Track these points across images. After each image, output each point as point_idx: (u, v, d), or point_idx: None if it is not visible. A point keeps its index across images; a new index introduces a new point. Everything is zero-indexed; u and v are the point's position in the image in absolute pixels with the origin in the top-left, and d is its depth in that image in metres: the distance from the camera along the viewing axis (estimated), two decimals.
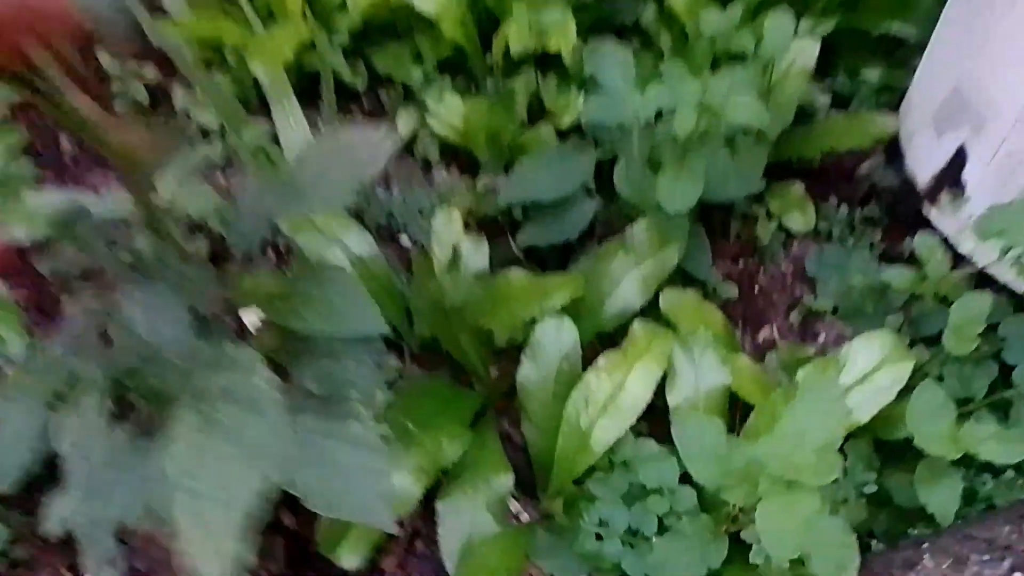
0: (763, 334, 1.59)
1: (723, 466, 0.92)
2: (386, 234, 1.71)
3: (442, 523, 1.22)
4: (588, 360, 1.33)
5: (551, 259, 1.67)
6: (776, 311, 1.62)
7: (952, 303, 1.19)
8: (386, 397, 1.32)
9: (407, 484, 1.16)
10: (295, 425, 1.02)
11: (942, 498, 1.08)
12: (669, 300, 1.39)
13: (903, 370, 1.17)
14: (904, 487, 1.22)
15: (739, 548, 1.12)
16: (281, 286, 1.01)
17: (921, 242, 1.23)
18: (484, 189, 1.72)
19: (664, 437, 1.42)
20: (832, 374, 1.16)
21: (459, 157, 1.85)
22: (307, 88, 1.73)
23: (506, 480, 1.27)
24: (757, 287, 1.65)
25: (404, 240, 1.70)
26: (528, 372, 1.32)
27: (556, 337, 1.31)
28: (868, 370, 1.18)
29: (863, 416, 1.15)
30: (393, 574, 1.34)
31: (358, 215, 1.56)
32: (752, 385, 1.32)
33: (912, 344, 1.43)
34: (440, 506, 1.23)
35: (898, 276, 1.24)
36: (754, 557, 0.98)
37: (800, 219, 1.66)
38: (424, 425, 1.22)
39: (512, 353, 1.56)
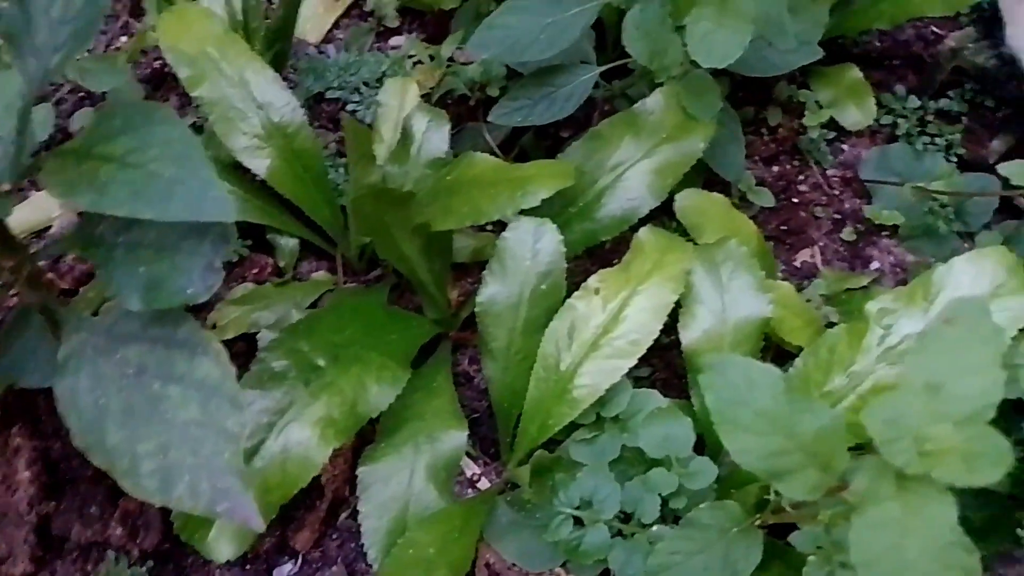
0: (802, 257, 1.23)
1: (780, 440, 0.58)
2: (323, 114, 1.33)
3: (364, 495, 0.88)
4: (575, 279, 0.98)
5: (537, 155, 1.30)
6: (820, 228, 1.26)
7: None
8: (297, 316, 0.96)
9: (308, 443, 0.81)
10: (111, 362, 0.66)
11: None
12: (689, 203, 1.03)
13: None
14: None
15: (776, 547, 0.79)
16: (77, 140, 0.64)
17: None
18: (451, 58, 1.33)
19: (673, 388, 1.08)
20: (923, 313, 0.81)
21: (424, 20, 1.46)
22: None
23: (457, 437, 0.93)
24: (796, 197, 1.28)
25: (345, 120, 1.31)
26: (493, 292, 0.97)
27: (532, 245, 0.95)
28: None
29: None
30: (308, 554, 1.01)
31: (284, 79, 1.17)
32: (797, 320, 0.97)
33: None
34: (363, 472, 0.89)
35: (1020, 170, 0.88)
36: (812, 573, 0.65)
37: (855, 111, 1.29)
38: (343, 360, 0.87)
39: (479, 271, 1.20)
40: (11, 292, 0.79)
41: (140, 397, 0.67)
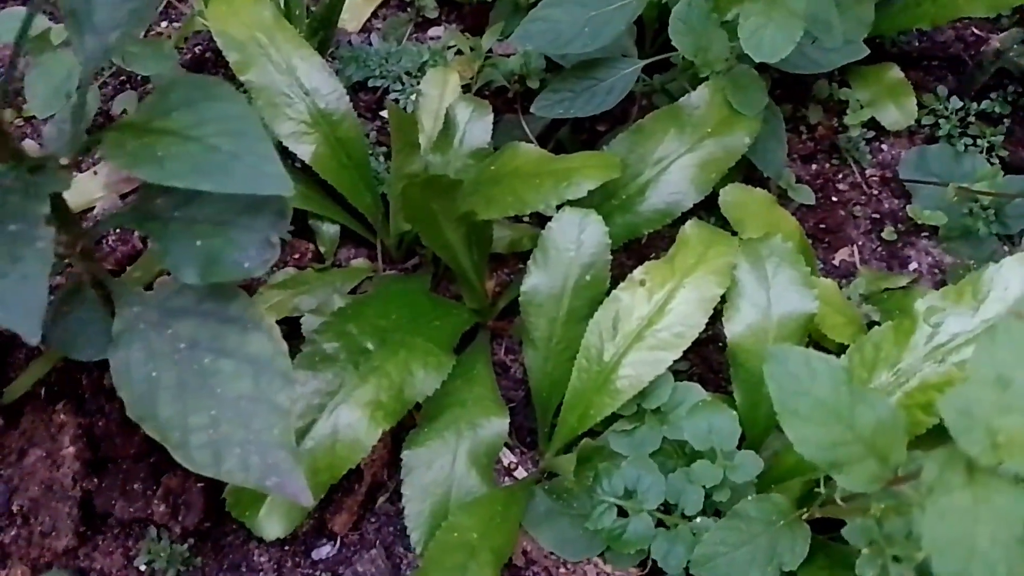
0: (840, 256, 1.23)
1: (840, 431, 0.58)
2: (363, 102, 1.33)
3: (408, 479, 0.89)
4: (618, 272, 0.98)
5: (575, 148, 1.30)
6: (858, 228, 1.26)
7: None
8: (342, 302, 0.97)
9: (357, 426, 0.82)
10: (163, 336, 0.67)
11: None
12: (732, 198, 1.03)
13: None
14: None
15: (818, 542, 0.79)
16: (136, 115, 0.65)
17: None
18: (490, 50, 1.33)
19: (710, 383, 1.08)
20: (972, 312, 0.81)
21: (463, 11, 1.46)
22: None
23: (498, 425, 0.94)
24: (835, 196, 1.28)
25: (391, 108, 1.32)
26: (537, 282, 0.97)
27: (577, 236, 0.96)
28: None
29: None
30: (346, 537, 1.01)
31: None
32: (839, 317, 0.98)
33: None
34: (407, 455, 0.89)
35: None
36: (863, 569, 0.65)
37: (896, 111, 1.29)
38: (390, 344, 0.88)
39: (516, 262, 1.21)
40: (67, 266, 0.80)
41: (192, 371, 0.68)
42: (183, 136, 0.61)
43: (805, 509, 0.77)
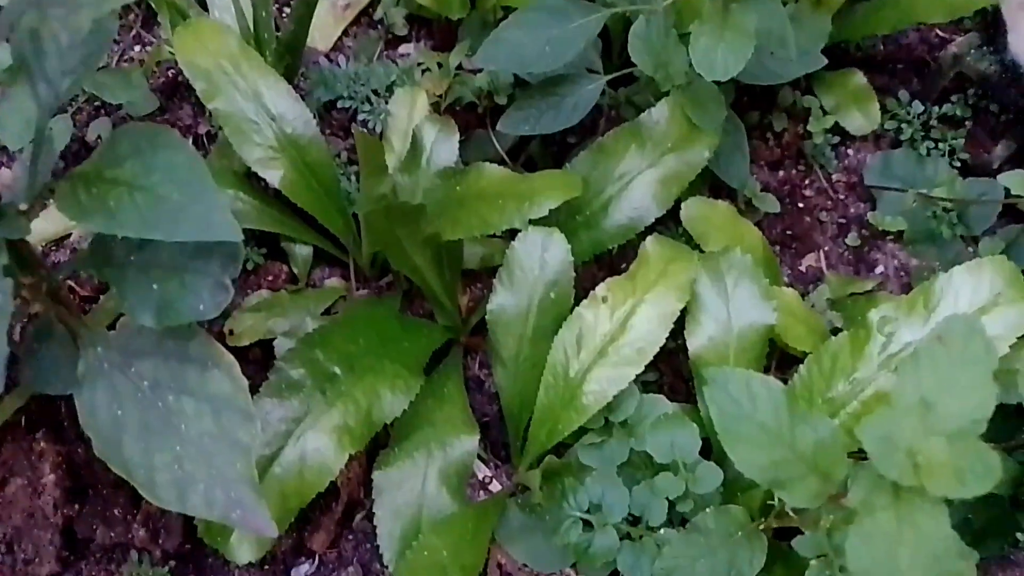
0: (807, 262, 1.25)
1: (781, 451, 0.60)
2: (334, 122, 1.35)
3: (380, 500, 0.91)
4: (583, 287, 1.00)
5: (545, 164, 1.32)
6: (825, 233, 1.28)
7: None
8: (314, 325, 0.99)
9: (324, 451, 0.83)
10: (126, 376, 0.69)
11: None
12: (694, 212, 1.05)
13: (1023, 313, 0.84)
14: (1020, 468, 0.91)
15: (779, 550, 0.81)
16: (88, 165, 0.66)
17: None
18: (459, 66, 1.35)
19: (680, 392, 1.10)
20: (923, 322, 0.83)
21: (432, 28, 1.48)
22: None
23: (468, 443, 0.96)
24: (801, 203, 1.30)
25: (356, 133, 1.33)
26: (503, 301, 0.99)
27: (540, 256, 0.97)
28: (973, 311, 0.85)
29: None
30: (324, 555, 1.03)
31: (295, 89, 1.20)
32: (801, 327, 0.99)
33: None
34: (378, 477, 0.91)
35: (1020, 181, 0.89)
36: None
37: (860, 117, 1.31)
38: (358, 369, 0.90)
39: (488, 277, 1.22)
40: (32, 309, 0.82)
41: (155, 410, 0.70)
42: (133, 186, 0.63)
43: (763, 520, 0.79)
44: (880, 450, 0.48)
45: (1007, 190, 1.06)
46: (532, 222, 0.98)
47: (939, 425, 0.50)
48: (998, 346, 0.82)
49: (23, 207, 0.71)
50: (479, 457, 1.09)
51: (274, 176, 1.10)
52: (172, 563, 1.02)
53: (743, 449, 0.60)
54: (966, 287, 0.85)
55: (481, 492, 1.08)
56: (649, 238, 0.98)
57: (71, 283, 1.22)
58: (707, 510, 0.79)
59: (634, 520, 0.90)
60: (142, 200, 0.61)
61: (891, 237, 1.26)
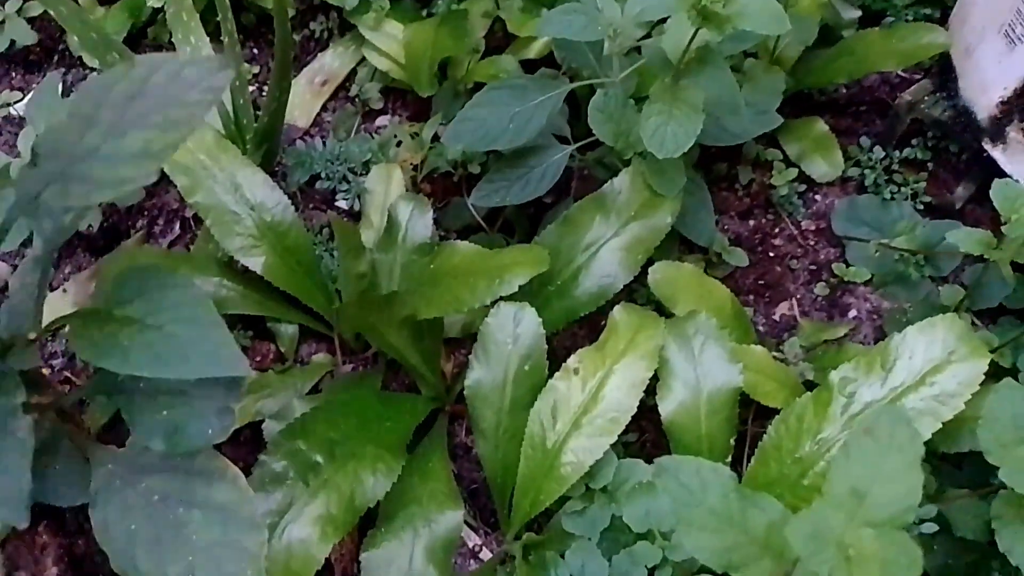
0: (781, 310, 1.28)
1: (733, 535, 0.63)
2: (316, 196, 1.39)
3: None
4: (561, 354, 1.03)
5: (522, 226, 1.36)
6: (796, 281, 1.31)
7: None
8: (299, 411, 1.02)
9: (308, 541, 0.86)
10: (136, 491, 0.73)
11: None
12: (661, 275, 1.08)
13: (976, 368, 0.87)
14: (969, 515, 0.93)
15: None
16: (95, 306, 0.71)
17: (1001, 192, 0.91)
18: (435, 137, 1.39)
19: (662, 448, 1.12)
20: (881, 381, 0.85)
21: (407, 100, 1.53)
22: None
23: (453, 518, 0.98)
24: (772, 251, 1.33)
25: (342, 204, 1.38)
26: (479, 375, 1.02)
27: (513, 330, 1.01)
28: (928, 369, 0.87)
29: (923, 431, 0.85)
30: None
31: (272, 174, 1.24)
32: (770, 383, 1.02)
33: (972, 323, 1.13)
34: (365, 558, 0.94)
35: (966, 237, 0.92)
36: None
37: (824, 164, 1.34)
38: (339, 455, 0.93)
39: (472, 343, 1.25)
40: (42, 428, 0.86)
41: (166, 522, 0.74)
42: (143, 324, 0.67)
43: None
44: (809, 548, 0.51)
45: None
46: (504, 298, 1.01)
47: (870, 515, 0.52)
48: (952, 403, 0.85)
49: (32, 336, 0.75)
50: (469, 525, 1.12)
51: (256, 263, 1.14)
52: None
53: (696, 535, 0.63)
54: (920, 346, 0.88)
55: (471, 561, 1.11)
56: (617, 307, 1.01)
57: (73, 377, 1.27)
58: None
59: None
60: (153, 339, 0.65)
61: (863, 281, 1.29)
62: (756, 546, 0.63)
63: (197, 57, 0.94)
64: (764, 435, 0.95)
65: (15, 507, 0.65)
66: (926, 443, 0.92)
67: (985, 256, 0.92)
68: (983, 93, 1.16)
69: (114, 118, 0.64)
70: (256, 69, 1.58)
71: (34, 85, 1.59)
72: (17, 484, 0.65)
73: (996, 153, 1.16)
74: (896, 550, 0.51)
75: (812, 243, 1.34)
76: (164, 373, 0.65)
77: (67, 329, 0.78)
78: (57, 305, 1.30)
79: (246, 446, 1.13)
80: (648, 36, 1.13)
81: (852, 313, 1.28)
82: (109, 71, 0.67)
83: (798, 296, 1.29)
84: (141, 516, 0.74)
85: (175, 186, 1.43)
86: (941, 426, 0.87)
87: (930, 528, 0.85)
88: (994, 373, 0.96)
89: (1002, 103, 1.13)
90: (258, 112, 1.34)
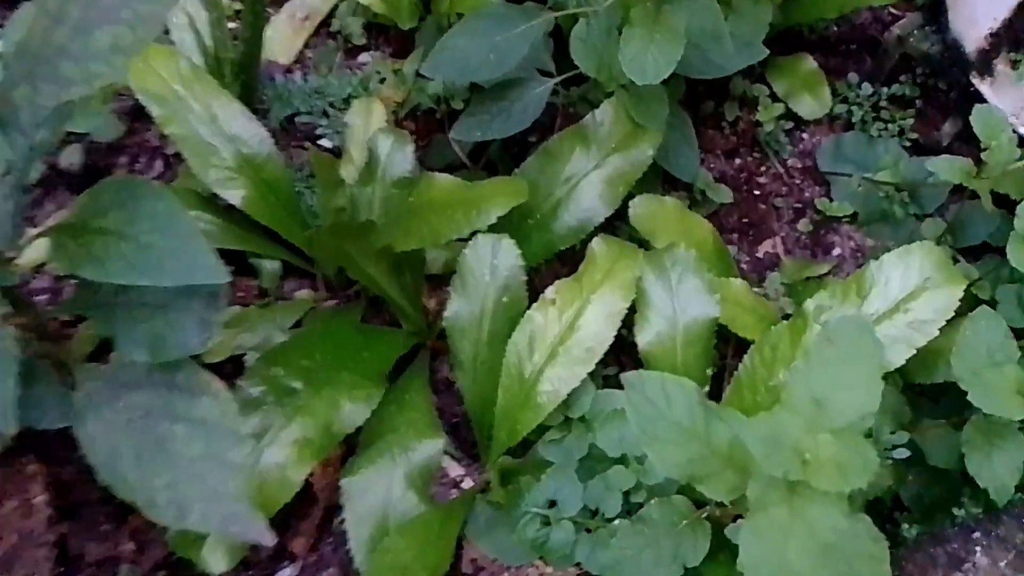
0: (764, 248, 1.28)
1: (697, 448, 0.64)
2: (298, 132, 1.38)
3: (348, 505, 0.95)
4: (542, 288, 1.03)
5: (505, 165, 1.34)
6: (781, 219, 1.30)
7: (1018, 202, 0.88)
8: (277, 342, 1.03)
9: (285, 464, 0.88)
10: (119, 408, 0.74)
11: (999, 470, 0.80)
12: (642, 210, 1.08)
13: (951, 296, 0.87)
14: (943, 445, 0.94)
15: (723, 538, 0.85)
16: (73, 216, 0.70)
17: (981, 118, 0.90)
18: (418, 73, 1.37)
19: None
20: (856, 309, 0.85)
21: (390, 36, 1.50)
22: None
23: (432, 445, 0.99)
24: (757, 189, 1.32)
25: (325, 144, 1.36)
26: (458, 307, 1.02)
27: (491, 261, 1.01)
28: (903, 296, 0.88)
29: (896, 358, 0.86)
30: (306, 558, 1.08)
31: (254, 112, 1.23)
32: (748, 316, 1.02)
33: (953, 259, 1.13)
34: (344, 484, 0.95)
35: (946, 165, 0.92)
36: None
37: (811, 102, 1.33)
38: (318, 382, 0.94)
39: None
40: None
41: (149, 437, 0.75)
42: (119, 235, 0.67)
43: (705, 509, 0.82)
44: (764, 449, 0.51)
45: None
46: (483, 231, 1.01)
47: (829, 422, 0.53)
48: (926, 330, 0.85)
49: (11, 254, 0.75)
50: (451, 456, 1.13)
51: (235, 196, 1.13)
52: (161, 573, 1.06)
53: (660, 448, 0.63)
54: (896, 273, 0.88)
55: (454, 490, 1.12)
56: (596, 239, 1.01)
57: (49, 307, 1.26)
58: (651, 502, 0.82)
59: (594, 513, 0.94)
60: (128, 249, 0.65)
61: (847, 219, 1.28)
62: (719, 459, 0.64)
63: None
64: (739, 365, 0.96)
65: (3, 414, 0.65)
66: (901, 372, 0.93)
67: (965, 184, 0.91)
68: (972, 26, 1.15)
69: (81, 14, 0.63)
70: (238, 6, 1.55)
71: None
72: (4, 390, 0.65)
73: (984, 87, 1.15)
74: (852, 453, 0.51)
75: (798, 182, 1.33)
76: (140, 280, 0.65)
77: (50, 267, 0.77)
78: (36, 250, 1.29)
79: (228, 379, 1.13)
80: None
81: (836, 251, 1.27)
82: None
83: (782, 235, 1.29)
84: (125, 431, 0.75)
85: (155, 123, 1.43)
86: (915, 352, 0.87)
87: (902, 453, 0.86)
88: (973, 308, 0.97)
89: (991, 34, 1.11)
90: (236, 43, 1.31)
